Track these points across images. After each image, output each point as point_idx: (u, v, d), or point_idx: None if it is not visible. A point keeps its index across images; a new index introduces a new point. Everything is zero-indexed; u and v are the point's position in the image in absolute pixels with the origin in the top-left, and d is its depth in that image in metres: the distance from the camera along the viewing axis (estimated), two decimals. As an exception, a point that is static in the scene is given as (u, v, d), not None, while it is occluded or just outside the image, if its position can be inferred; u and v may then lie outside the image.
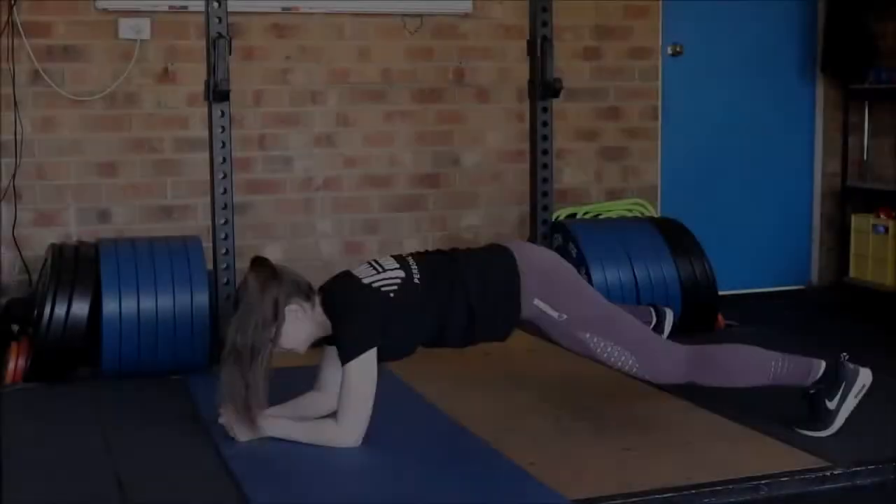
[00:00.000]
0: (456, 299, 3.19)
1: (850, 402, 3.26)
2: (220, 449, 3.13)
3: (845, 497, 2.95)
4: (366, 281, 3.17)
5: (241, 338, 3.05)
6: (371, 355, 3.09)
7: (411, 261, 3.26)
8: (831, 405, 3.26)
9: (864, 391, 3.27)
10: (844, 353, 3.32)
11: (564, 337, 3.28)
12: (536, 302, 3.23)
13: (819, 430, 3.27)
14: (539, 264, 3.30)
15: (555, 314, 3.24)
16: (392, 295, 3.14)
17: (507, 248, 3.33)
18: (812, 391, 3.29)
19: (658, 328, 3.84)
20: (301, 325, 3.15)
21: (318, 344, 3.28)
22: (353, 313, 3.11)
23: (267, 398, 3.12)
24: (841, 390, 3.25)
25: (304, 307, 3.16)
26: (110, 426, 3.40)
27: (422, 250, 3.39)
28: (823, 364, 3.28)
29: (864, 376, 3.27)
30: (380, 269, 3.21)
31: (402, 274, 3.19)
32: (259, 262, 3.16)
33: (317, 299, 3.19)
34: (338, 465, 3.04)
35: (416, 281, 3.19)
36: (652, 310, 3.91)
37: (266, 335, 3.07)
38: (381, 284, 3.15)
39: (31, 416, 3.55)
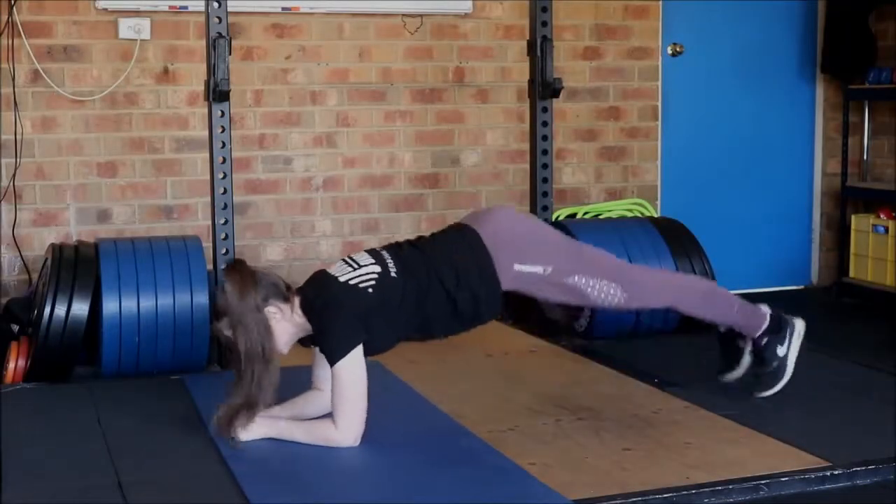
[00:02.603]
0: (433, 289, 3.19)
1: (795, 347, 3.50)
2: (220, 449, 3.13)
3: (845, 497, 2.95)
4: (343, 279, 3.16)
5: (248, 342, 3.06)
6: (358, 353, 3.09)
7: (386, 254, 3.24)
8: (781, 351, 3.48)
9: (802, 336, 3.52)
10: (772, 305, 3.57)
11: (554, 288, 3.33)
12: (517, 267, 3.25)
13: (775, 382, 3.50)
14: (505, 231, 3.30)
15: (540, 269, 3.28)
16: (371, 291, 3.14)
17: (469, 226, 3.32)
18: (763, 342, 3.48)
19: None
20: (281, 326, 3.15)
21: (306, 343, 3.28)
22: (334, 314, 3.10)
23: (276, 398, 3.13)
24: (787, 336, 3.49)
25: (283, 309, 3.16)
26: (110, 426, 3.40)
27: (392, 242, 3.37)
28: (769, 313, 3.51)
29: (800, 324, 3.52)
30: (355, 266, 3.19)
31: (378, 269, 3.18)
32: (235, 266, 3.16)
33: (296, 301, 3.19)
34: (338, 465, 3.04)
35: (394, 274, 3.18)
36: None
37: (271, 337, 3.08)
38: (358, 281, 3.15)
39: (31, 416, 3.55)
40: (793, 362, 3.50)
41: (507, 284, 3.26)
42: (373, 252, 3.26)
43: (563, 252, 3.35)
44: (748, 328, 3.51)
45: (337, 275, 3.18)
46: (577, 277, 3.29)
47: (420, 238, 3.39)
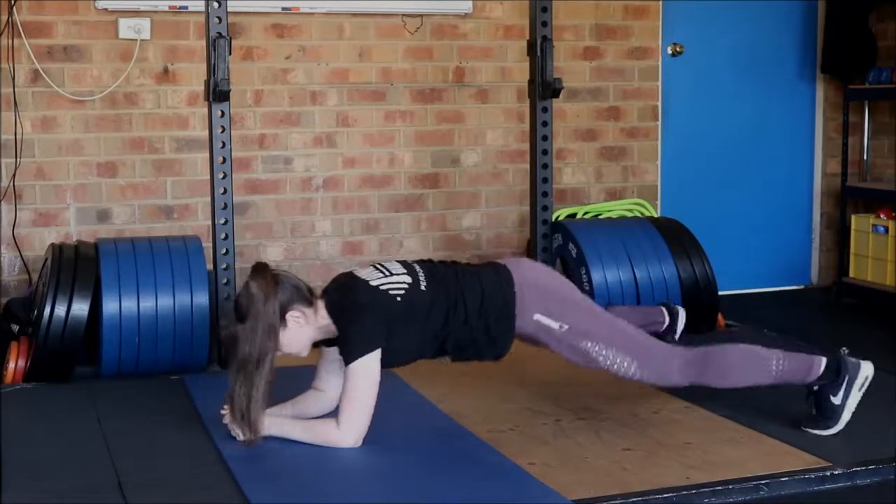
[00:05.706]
0: (458, 312, 3.19)
1: (855, 396, 3.29)
2: (220, 449, 3.13)
3: (845, 497, 2.95)
4: (373, 283, 3.17)
5: (249, 347, 3.05)
6: (375, 357, 3.09)
7: (418, 268, 3.26)
8: (836, 400, 3.28)
9: (867, 384, 3.30)
10: (844, 348, 3.35)
11: (565, 348, 3.29)
12: (536, 317, 3.25)
13: (827, 427, 3.29)
14: (535, 280, 3.31)
15: (556, 325, 3.25)
16: (399, 299, 3.14)
17: (504, 265, 3.34)
18: (815, 388, 3.31)
19: (671, 327, 3.86)
20: (303, 330, 3.16)
21: (317, 345, 3.28)
22: (359, 314, 3.10)
23: (267, 403, 3.12)
24: (844, 385, 3.28)
25: (306, 312, 3.16)
26: (110, 426, 3.40)
27: (425, 259, 3.40)
28: (824, 360, 3.30)
29: (866, 369, 3.30)
30: (387, 273, 3.21)
31: (408, 279, 3.20)
32: (260, 269, 3.15)
33: (319, 303, 3.19)
34: (338, 465, 3.04)
35: (423, 288, 3.19)
36: (664, 309, 3.92)
37: (272, 342, 3.07)
38: (388, 287, 3.16)
39: (31, 416, 3.55)
40: (850, 411, 3.28)
41: (522, 328, 3.27)
42: (405, 263, 3.29)
43: (585, 316, 3.30)
44: (796, 382, 3.32)
45: (367, 278, 3.19)
46: (591, 344, 3.25)
47: (455, 262, 3.42)
